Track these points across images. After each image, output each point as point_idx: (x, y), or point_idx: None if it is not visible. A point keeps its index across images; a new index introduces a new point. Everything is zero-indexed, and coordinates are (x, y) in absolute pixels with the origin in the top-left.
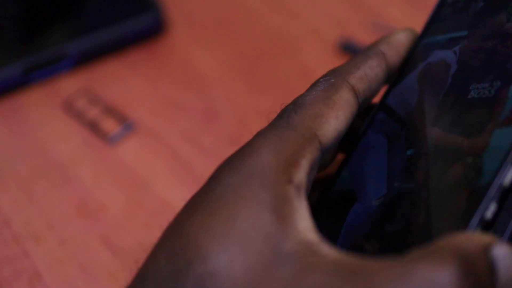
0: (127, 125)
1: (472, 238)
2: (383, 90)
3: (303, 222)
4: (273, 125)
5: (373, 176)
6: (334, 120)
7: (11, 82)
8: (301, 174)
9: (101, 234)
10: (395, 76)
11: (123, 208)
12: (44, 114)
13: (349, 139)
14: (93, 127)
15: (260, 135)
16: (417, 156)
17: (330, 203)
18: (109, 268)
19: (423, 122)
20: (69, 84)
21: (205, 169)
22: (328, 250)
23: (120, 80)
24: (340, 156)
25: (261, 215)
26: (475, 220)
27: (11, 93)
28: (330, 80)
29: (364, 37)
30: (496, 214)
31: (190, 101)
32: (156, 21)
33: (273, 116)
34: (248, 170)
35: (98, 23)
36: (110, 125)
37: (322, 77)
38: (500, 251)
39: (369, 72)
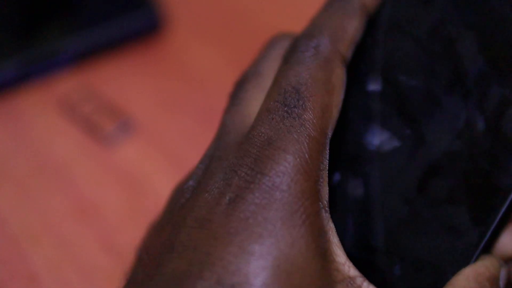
0: (125, 125)
1: (489, 275)
2: None
3: (341, 256)
4: (283, 125)
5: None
6: (336, 109)
7: (7, 78)
8: (326, 190)
9: (99, 235)
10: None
11: (121, 208)
12: (41, 114)
13: None
14: (91, 127)
15: (276, 147)
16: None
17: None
18: (106, 270)
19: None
20: (66, 83)
21: None
22: None
23: (118, 79)
24: None
25: (309, 262)
26: (483, 243)
27: (8, 93)
28: (320, 48)
29: None
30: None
31: (189, 99)
32: (153, 18)
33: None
34: (284, 203)
35: (94, 19)
36: (107, 125)
37: (305, 37)
38: (502, 274)
39: (356, 34)
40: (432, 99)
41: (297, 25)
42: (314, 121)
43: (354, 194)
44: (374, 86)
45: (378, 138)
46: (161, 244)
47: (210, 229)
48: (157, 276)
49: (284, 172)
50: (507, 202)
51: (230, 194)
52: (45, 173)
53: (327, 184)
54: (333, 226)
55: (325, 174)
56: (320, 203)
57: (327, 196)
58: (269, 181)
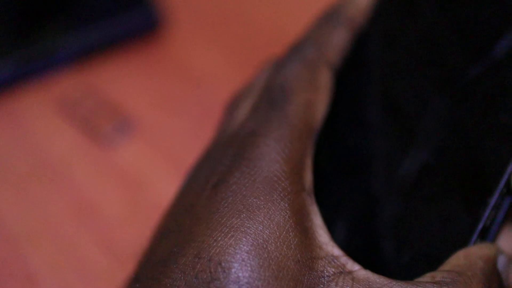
0: (124, 124)
1: (481, 253)
2: None
3: (324, 236)
4: (267, 117)
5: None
6: (321, 106)
7: (4, 78)
8: (310, 176)
9: (98, 235)
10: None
11: (120, 209)
12: (39, 113)
13: None
14: (89, 126)
15: (258, 134)
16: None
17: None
18: (104, 270)
19: None
20: (65, 82)
21: None
22: (356, 268)
23: (117, 78)
24: None
25: (287, 235)
26: (478, 229)
27: (5, 92)
28: (305, 54)
29: None
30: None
31: (188, 99)
32: (153, 17)
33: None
34: (263, 181)
35: (93, 18)
36: (106, 124)
37: (292, 47)
38: (502, 260)
39: (343, 44)
40: (422, 97)
41: (297, 25)
42: (297, 113)
43: (349, 189)
44: (369, 92)
45: (373, 134)
46: (154, 233)
47: (194, 213)
48: (146, 263)
49: (264, 154)
50: (498, 189)
51: (214, 179)
52: (43, 173)
53: (310, 171)
54: (317, 210)
55: (308, 161)
56: (301, 185)
57: (310, 182)
58: (249, 163)
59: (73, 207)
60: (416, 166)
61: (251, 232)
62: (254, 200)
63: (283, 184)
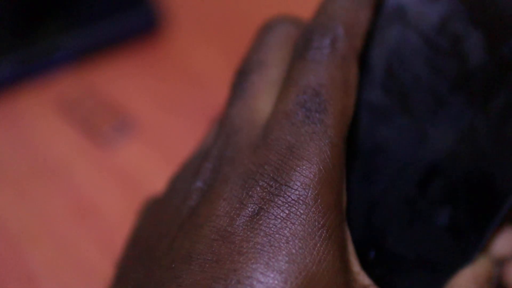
0: (124, 124)
1: (486, 273)
2: None
3: (356, 264)
4: (305, 131)
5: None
6: (352, 109)
7: (4, 77)
8: (345, 198)
9: (98, 235)
10: None
11: (120, 209)
12: (39, 113)
13: None
14: (89, 126)
15: (298, 156)
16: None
17: None
18: (104, 270)
19: None
20: (65, 82)
21: None
22: None
23: (117, 78)
24: None
25: (335, 277)
26: (482, 245)
27: (5, 92)
28: (337, 45)
29: None
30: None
31: (188, 99)
32: (153, 17)
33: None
34: (308, 216)
35: (93, 17)
36: (106, 124)
37: (319, 30)
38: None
39: (368, 26)
40: (436, 97)
41: None
42: (335, 127)
43: (354, 193)
44: (377, 81)
45: (379, 135)
46: (172, 250)
47: (233, 243)
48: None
49: (310, 185)
50: (507, 205)
51: (253, 206)
52: (43, 173)
53: (345, 192)
54: (350, 236)
55: (344, 182)
56: (343, 215)
57: (345, 204)
58: (294, 194)
59: (72, 207)
60: (423, 167)
61: (301, 278)
62: (302, 239)
63: (329, 220)
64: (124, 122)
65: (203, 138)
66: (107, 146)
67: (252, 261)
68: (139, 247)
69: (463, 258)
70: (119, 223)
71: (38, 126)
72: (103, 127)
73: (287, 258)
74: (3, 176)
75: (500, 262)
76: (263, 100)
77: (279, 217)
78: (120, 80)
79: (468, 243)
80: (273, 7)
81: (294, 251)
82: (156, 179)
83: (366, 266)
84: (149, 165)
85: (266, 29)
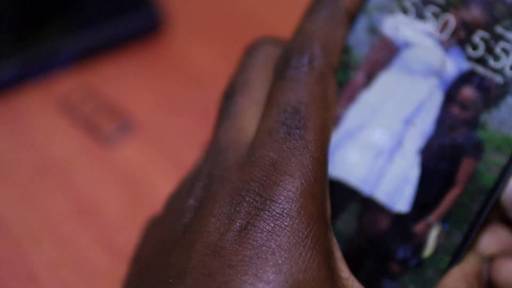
0: (125, 124)
1: (475, 271)
2: None
3: (345, 270)
4: (287, 147)
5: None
6: (332, 123)
7: (7, 78)
8: (329, 207)
9: (99, 235)
10: None
11: (121, 208)
12: (41, 114)
13: None
14: (90, 127)
15: (281, 172)
16: None
17: None
18: (106, 269)
19: None
20: (66, 83)
21: None
22: None
23: (118, 79)
24: None
25: (323, 285)
26: (468, 244)
27: (8, 93)
28: (314, 64)
29: None
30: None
31: (189, 99)
32: (153, 18)
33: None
34: (294, 228)
35: (94, 19)
36: (107, 125)
37: (297, 50)
38: (484, 269)
39: (344, 43)
40: (414, 90)
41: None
42: (316, 141)
43: (336, 195)
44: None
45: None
46: (169, 266)
47: (223, 257)
48: None
49: (293, 198)
50: (492, 203)
51: (241, 221)
52: (45, 173)
53: (329, 201)
54: (336, 243)
55: (327, 192)
56: (327, 224)
57: (330, 213)
58: (278, 208)
59: (74, 206)
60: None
61: (288, 286)
62: (287, 250)
63: (313, 230)
64: (126, 122)
65: (197, 159)
66: (108, 146)
67: (241, 273)
68: (140, 264)
69: (451, 257)
70: (120, 222)
71: (41, 126)
72: (104, 127)
73: (274, 269)
74: (5, 175)
75: (488, 260)
76: (247, 119)
77: (265, 230)
78: (122, 80)
79: (456, 242)
80: (273, 8)
81: (280, 261)
82: (157, 178)
83: (357, 272)
84: (150, 164)
85: (249, 52)
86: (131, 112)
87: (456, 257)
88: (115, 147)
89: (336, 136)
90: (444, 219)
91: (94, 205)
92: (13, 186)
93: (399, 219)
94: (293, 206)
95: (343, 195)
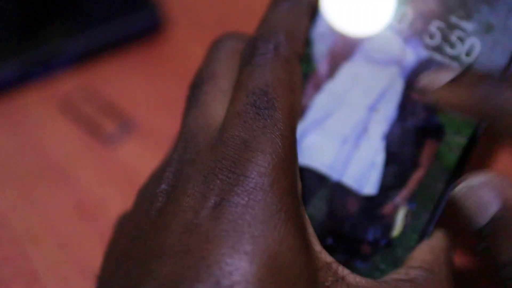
0: (126, 125)
1: (441, 246)
2: None
3: (317, 244)
4: (257, 126)
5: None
6: (299, 106)
7: (8, 79)
8: (300, 184)
9: (100, 235)
10: None
11: (122, 208)
12: (42, 114)
13: None
14: (92, 127)
15: (252, 148)
16: None
17: None
18: None
19: None
20: (68, 84)
21: None
22: (346, 273)
23: (119, 79)
24: None
25: (298, 257)
26: (435, 221)
27: (9, 93)
28: (280, 50)
29: None
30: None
31: None
32: (154, 19)
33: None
34: (268, 201)
35: (95, 20)
36: (108, 125)
37: (263, 38)
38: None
39: (307, 32)
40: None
41: None
42: (284, 120)
43: (306, 182)
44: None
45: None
46: (146, 249)
47: (200, 233)
48: (149, 282)
49: (265, 173)
50: (454, 182)
51: (215, 198)
52: (46, 172)
53: (300, 180)
54: (308, 218)
55: (297, 170)
56: (298, 199)
57: (300, 190)
58: (251, 182)
59: (76, 206)
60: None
61: (265, 257)
62: (262, 223)
63: (286, 203)
64: (127, 122)
65: (166, 153)
66: (110, 146)
67: (219, 247)
68: (115, 255)
69: (419, 235)
70: None
71: (42, 126)
72: (105, 127)
73: (251, 241)
74: (7, 175)
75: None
76: (216, 107)
77: (240, 204)
78: (123, 81)
79: (422, 221)
80: None
81: (256, 233)
82: None
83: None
84: (151, 164)
85: (215, 45)
86: (132, 112)
87: (423, 234)
88: (116, 147)
89: (303, 125)
90: (411, 200)
91: (95, 204)
92: (14, 185)
93: (367, 202)
94: (265, 181)
95: (312, 182)
